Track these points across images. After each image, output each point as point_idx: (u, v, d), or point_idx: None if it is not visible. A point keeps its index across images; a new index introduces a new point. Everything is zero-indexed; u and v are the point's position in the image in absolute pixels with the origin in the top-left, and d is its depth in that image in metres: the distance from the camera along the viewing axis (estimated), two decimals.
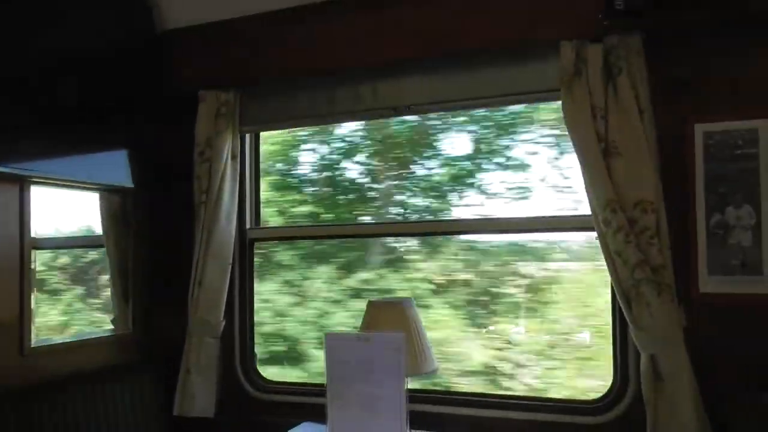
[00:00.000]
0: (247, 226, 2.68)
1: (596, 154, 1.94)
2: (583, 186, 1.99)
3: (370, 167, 2.84)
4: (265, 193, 2.82)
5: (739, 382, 1.86)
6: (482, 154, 2.63)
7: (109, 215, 2.64)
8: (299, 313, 2.93)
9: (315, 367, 2.79)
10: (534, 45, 2.11)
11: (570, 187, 2.38)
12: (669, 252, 1.89)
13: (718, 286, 1.89)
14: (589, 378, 2.39)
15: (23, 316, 2.10)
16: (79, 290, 2.65)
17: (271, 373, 2.73)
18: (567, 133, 2.00)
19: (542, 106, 2.39)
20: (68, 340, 2.42)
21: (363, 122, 2.74)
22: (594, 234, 2.00)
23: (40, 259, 2.29)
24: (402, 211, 2.75)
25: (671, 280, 1.88)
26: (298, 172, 2.98)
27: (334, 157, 2.90)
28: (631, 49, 1.93)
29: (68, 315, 2.55)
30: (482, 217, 2.55)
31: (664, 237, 1.89)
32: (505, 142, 2.57)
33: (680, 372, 1.84)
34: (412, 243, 2.77)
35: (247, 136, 2.67)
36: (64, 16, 2.21)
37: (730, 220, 1.88)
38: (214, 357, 2.51)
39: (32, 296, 2.16)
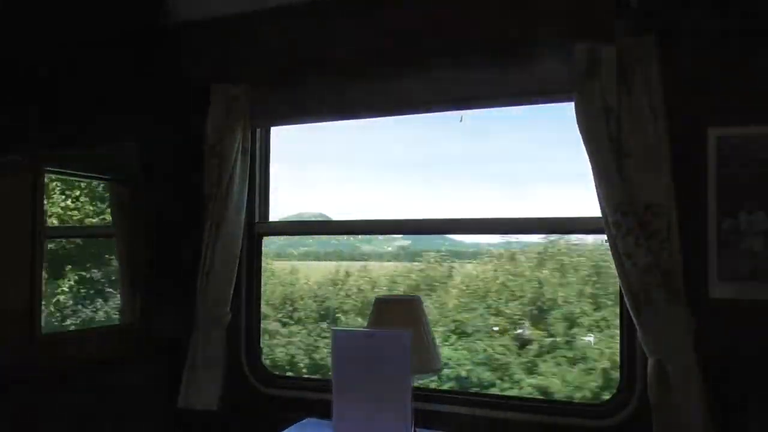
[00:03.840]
0: (256, 220, 2.68)
1: (608, 155, 1.93)
2: (594, 187, 1.98)
3: None
4: None
5: (747, 388, 1.85)
6: None
7: (118, 206, 2.65)
8: None
9: None
10: (548, 45, 2.10)
11: None
12: (679, 256, 1.88)
13: (728, 291, 1.88)
14: None
15: (34, 304, 2.12)
16: None
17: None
18: (579, 133, 2.00)
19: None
20: (77, 329, 2.44)
21: None
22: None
23: None
24: None
25: (681, 284, 1.87)
26: None
27: None
28: (645, 51, 1.92)
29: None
30: (490, 217, 2.54)
31: (674, 241, 1.87)
32: None
33: (688, 377, 1.83)
34: None
35: (258, 130, 2.68)
36: (73, 6, 2.21)
37: (742, 225, 1.87)
38: (220, 350, 2.52)
39: (43, 285, 2.18)
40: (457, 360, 3.28)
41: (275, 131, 2.77)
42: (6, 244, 2.06)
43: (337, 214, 3.43)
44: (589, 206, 2.05)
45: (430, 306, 3.23)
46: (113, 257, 2.72)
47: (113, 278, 2.72)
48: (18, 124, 2.05)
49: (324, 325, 3.68)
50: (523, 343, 3.27)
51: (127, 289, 2.65)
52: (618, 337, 2.17)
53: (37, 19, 2.08)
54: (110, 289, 2.73)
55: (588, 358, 3.11)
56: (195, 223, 2.53)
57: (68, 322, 2.53)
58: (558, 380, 3.03)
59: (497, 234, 2.52)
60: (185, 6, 2.52)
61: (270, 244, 3.10)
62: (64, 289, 2.56)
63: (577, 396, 2.90)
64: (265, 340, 3.04)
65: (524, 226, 2.36)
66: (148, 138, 2.60)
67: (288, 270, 4.04)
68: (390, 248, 4.08)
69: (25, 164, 2.10)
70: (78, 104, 2.27)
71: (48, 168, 2.19)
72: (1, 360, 1.98)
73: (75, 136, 2.30)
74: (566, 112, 2.07)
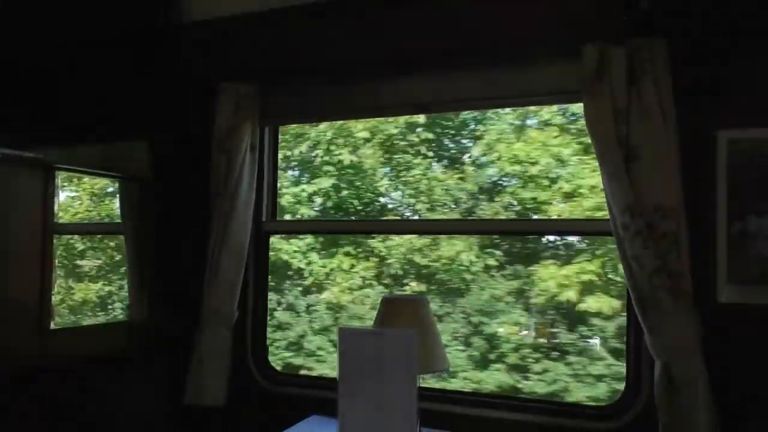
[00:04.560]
0: (264, 218, 2.69)
1: (617, 157, 1.92)
2: (603, 189, 1.97)
3: None
4: None
5: (753, 392, 1.84)
6: None
7: (127, 204, 2.67)
8: None
9: None
10: (557, 46, 2.10)
11: None
12: (688, 259, 1.86)
13: (736, 295, 1.86)
14: None
15: (44, 299, 2.14)
16: None
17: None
18: (588, 135, 1.99)
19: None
20: (85, 325, 2.46)
21: None
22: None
23: None
24: None
25: (689, 287, 1.86)
26: None
27: None
28: (655, 52, 1.91)
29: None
30: (499, 218, 2.54)
31: (683, 244, 1.86)
32: None
33: (695, 381, 1.82)
34: None
35: (266, 129, 2.69)
36: (75, 6, 2.23)
37: (752, 228, 1.85)
38: (227, 347, 2.52)
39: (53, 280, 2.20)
40: None
41: None
42: (17, 240, 2.08)
43: None
44: None
45: None
46: None
47: None
48: (25, 123, 2.07)
49: None
50: None
51: (135, 285, 2.67)
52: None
53: (41, 19, 2.10)
54: None
55: None
56: (197, 222, 2.54)
57: None
58: None
59: (504, 235, 2.51)
60: (196, 4, 2.53)
61: None
62: None
63: None
64: None
65: (533, 228, 2.35)
66: (157, 135, 2.61)
67: None
68: None
69: (36, 160, 2.12)
70: (83, 103, 2.29)
71: (58, 165, 2.20)
72: (9, 355, 2.00)
73: (81, 134, 2.31)
74: None
